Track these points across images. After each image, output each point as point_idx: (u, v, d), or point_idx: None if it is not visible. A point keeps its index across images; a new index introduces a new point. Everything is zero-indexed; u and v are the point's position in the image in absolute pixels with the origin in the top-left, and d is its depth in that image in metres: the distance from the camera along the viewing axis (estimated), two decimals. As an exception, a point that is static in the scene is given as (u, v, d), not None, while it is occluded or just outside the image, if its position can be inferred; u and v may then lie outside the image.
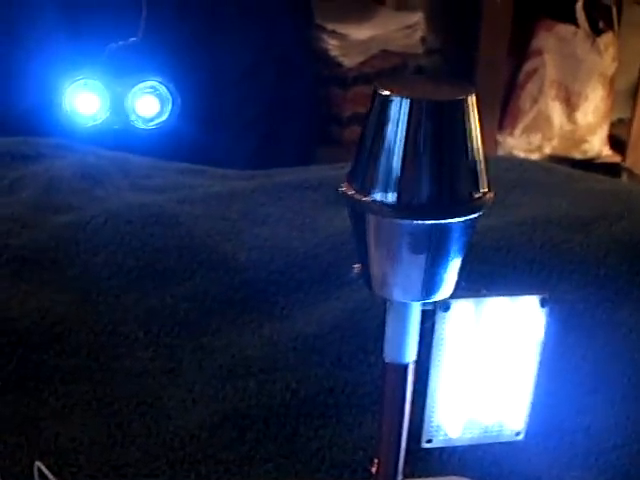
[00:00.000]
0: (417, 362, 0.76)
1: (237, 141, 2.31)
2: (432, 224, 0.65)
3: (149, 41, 1.56)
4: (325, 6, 3.04)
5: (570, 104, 3.24)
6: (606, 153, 3.31)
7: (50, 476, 0.91)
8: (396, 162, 0.64)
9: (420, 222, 0.65)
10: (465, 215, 0.65)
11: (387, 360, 0.75)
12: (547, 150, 3.24)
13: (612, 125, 3.32)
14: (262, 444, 1.01)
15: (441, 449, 0.99)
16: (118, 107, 1.53)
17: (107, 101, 1.53)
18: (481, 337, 0.76)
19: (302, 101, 2.75)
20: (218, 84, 2.24)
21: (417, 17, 3.12)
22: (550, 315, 0.75)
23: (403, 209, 0.65)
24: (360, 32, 2.99)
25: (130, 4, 1.67)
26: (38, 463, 0.92)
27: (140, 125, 1.51)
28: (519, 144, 3.27)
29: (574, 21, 3.11)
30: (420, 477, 0.95)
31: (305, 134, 2.82)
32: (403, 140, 0.63)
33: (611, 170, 3.16)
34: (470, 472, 0.98)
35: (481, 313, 0.74)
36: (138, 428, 1.03)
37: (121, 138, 1.53)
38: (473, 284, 0.73)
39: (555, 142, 3.26)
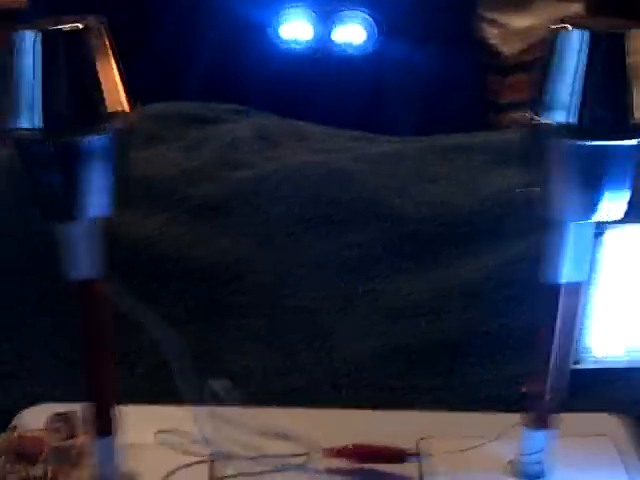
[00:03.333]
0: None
1: (399, 115, 2.38)
2: (605, 145, 0.71)
3: None
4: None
5: None
6: None
7: (224, 393, 0.98)
8: (569, 88, 0.70)
9: (588, 143, 0.70)
10: (626, 138, 0.71)
11: (564, 280, 0.80)
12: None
13: None
14: (426, 376, 1.08)
15: (597, 388, 1.04)
16: (324, 33, 1.60)
17: (315, 27, 1.60)
18: (636, 262, 0.80)
19: (462, 88, 2.79)
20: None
21: (577, 7, 3.12)
22: None
23: (574, 130, 0.70)
24: (520, 21, 3.01)
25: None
26: (213, 381, 0.99)
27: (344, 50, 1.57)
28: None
29: None
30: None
31: (465, 119, 2.86)
32: (578, 68, 0.69)
33: None
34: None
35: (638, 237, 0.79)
36: (307, 358, 1.10)
37: (326, 61, 1.61)
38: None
39: None
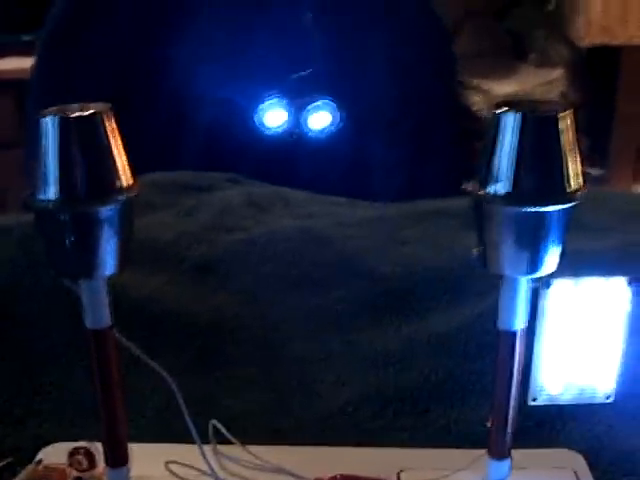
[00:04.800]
0: (525, 333, 0.94)
1: (383, 183, 2.53)
2: (535, 211, 0.84)
3: (320, 71, 1.80)
4: (469, 63, 3.21)
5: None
6: None
7: (223, 430, 1.11)
8: (509, 164, 0.84)
9: (525, 209, 0.84)
10: (560, 204, 0.84)
11: (501, 328, 0.94)
12: (683, 201, 3.32)
13: None
14: (399, 418, 1.20)
15: (551, 426, 1.17)
16: (297, 120, 1.80)
17: (289, 115, 1.81)
18: (578, 310, 0.94)
19: (443, 154, 2.92)
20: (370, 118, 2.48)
21: (558, 73, 3.25)
22: (636, 293, 0.93)
23: (512, 199, 0.84)
24: (502, 87, 3.15)
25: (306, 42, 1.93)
26: (214, 421, 1.12)
27: (314, 134, 1.77)
28: (655, 195, 3.36)
29: None
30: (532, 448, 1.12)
31: (445, 186, 2.99)
32: (514, 147, 0.83)
33: None
34: (576, 446, 1.14)
35: (578, 290, 0.93)
36: (296, 403, 1.23)
37: (298, 144, 1.79)
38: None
39: (688, 193, 3.34)
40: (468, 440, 1.16)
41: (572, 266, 0.93)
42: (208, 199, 1.68)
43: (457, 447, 1.15)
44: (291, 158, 2.17)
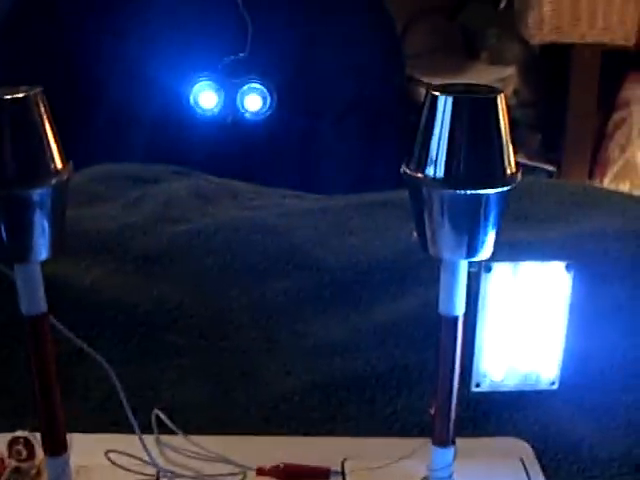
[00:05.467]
0: (467, 319, 0.94)
1: (332, 175, 2.52)
2: (471, 194, 0.84)
3: (254, 54, 1.80)
4: (421, 60, 3.22)
5: (657, 153, 3.34)
6: (694, 202, 3.39)
7: (166, 420, 1.10)
8: (443, 146, 0.83)
9: (461, 192, 0.83)
10: (495, 187, 0.84)
11: (441, 312, 0.93)
12: (636, 198, 3.34)
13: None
14: (344, 407, 1.19)
15: (497, 414, 1.16)
16: (230, 102, 1.80)
17: (222, 97, 1.80)
18: (518, 295, 0.93)
19: (393, 149, 2.92)
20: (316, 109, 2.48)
21: (510, 71, 3.27)
22: (574, 278, 0.92)
23: (449, 182, 0.83)
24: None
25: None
26: (156, 411, 1.11)
27: (247, 117, 1.77)
28: (609, 192, 3.37)
29: (661, 73, 3.22)
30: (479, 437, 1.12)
31: (394, 180, 2.99)
32: (448, 129, 0.83)
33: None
34: (522, 434, 1.14)
35: (517, 275, 0.92)
36: (240, 393, 1.22)
37: (232, 127, 1.79)
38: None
39: (643, 190, 3.36)
40: (414, 429, 1.16)
41: (513, 256, 0.93)
42: (154, 191, 1.67)
43: (403, 436, 1.15)
44: (228, 140, 2.17)
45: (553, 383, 0.99)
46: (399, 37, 3.03)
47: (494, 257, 0.90)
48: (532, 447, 1.11)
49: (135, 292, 1.37)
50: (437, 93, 0.83)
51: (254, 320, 1.34)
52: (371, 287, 1.39)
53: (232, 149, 2.20)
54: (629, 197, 1.75)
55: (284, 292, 1.39)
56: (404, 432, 1.15)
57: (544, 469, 1.08)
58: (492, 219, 0.86)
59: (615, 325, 1.29)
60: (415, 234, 0.90)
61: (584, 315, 1.00)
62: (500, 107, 0.84)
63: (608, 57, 3.20)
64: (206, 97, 2.06)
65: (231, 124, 1.94)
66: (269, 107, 1.96)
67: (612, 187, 3.39)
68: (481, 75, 3.28)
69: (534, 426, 1.15)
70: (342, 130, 2.53)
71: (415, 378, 1.24)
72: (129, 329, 1.31)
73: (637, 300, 1.34)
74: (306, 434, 1.14)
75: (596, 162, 3.41)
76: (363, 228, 1.53)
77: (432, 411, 0.98)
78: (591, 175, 3.40)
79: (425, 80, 3.19)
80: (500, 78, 3.25)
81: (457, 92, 0.83)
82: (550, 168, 3.24)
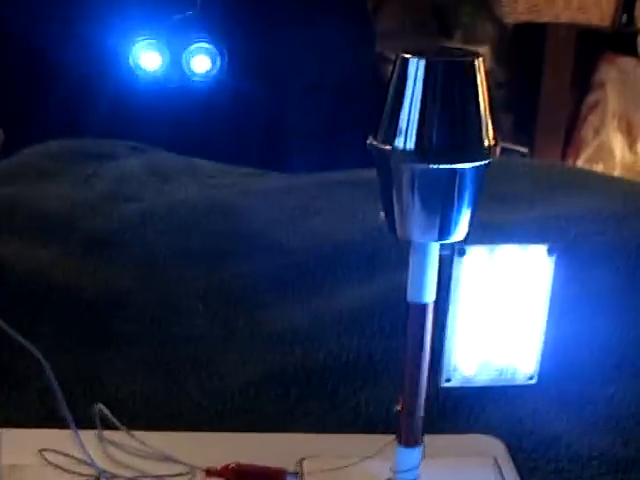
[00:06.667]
0: (438, 308, 0.85)
1: (300, 150, 2.44)
2: (445, 169, 0.75)
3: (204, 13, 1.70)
4: (392, 39, 3.14)
5: (631, 135, 3.29)
6: (669, 183, 3.34)
7: (108, 414, 1.01)
8: (414, 115, 0.74)
9: (434, 166, 0.74)
10: (472, 161, 0.75)
11: (409, 299, 0.84)
12: (609, 180, 3.29)
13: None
14: (304, 400, 1.11)
15: (469, 409, 1.08)
16: (175, 64, 1.69)
17: (166, 58, 1.70)
18: (494, 282, 0.84)
19: (361, 129, 2.83)
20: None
21: (483, 50, 3.21)
22: (557, 263, 0.84)
23: (420, 155, 0.74)
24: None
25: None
26: (99, 405, 1.01)
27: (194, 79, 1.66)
28: (583, 174, 3.32)
29: (636, 54, 3.18)
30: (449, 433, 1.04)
31: (364, 158, 2.91)
32: (420, 96, 0.73)
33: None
34: (495, 431, 1.06)
35: (494, 259, 0.83)
36: (192, 384, 1.13)
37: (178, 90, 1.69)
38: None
39: (617, 172, 3.31)
40: (379, 424, 1.07)
41: (490, 238, 0.84)
42: (107, 167, 1.57)
43: (366, 432, 1.06)
44: (172, 106, 2.06)
45: (532, 378, 0.90)
46: (369, 14, 2.95)
47: (468, 240, 0.81)
48: (506, 445, 1.03)
49: (82, 276, 1.28)
50: (408, 56, 0.74)
51: (210, 306, 1.25)
52: (336, 271, 1.30)
53: (178, 116, 2.09)
54: (607, 177, 1.67)
55: (243, 276, 1.30)
56: (368, 428, 1.07)
57: (519, 468, 0.99)
58: (468, 197, 0.77)
59: (595, 313, 1.21)
60: (382, 214, 0.81)
61: (564, 303, 0.91)
62: (478, 72, 0.75)
63: (583, 38, 3.16)
64: (148, 58, 1.94)
65: (176, 87, 1.83)
66: (219, 69, 1.85)
67: (585, 170, 3.34)
68: (455, 54, 3.21)
69: (508, 422, 1.07)
70: (307, 105, 2.43)
71: (381, 369, 1.15)
72: (74, 315, 1.22)
73: (617, 287, 1.26)
74: (262, 430, 1.05)
75: (569, 144, 3.36)
76: (329, 208, 1.43)
77: (398, 408, 0.90)
78: (564, 157, 3.36)
79: (392, 57, 3.11)
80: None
81: (430, 55, 0.74)
82: (522, 150, 3.18)
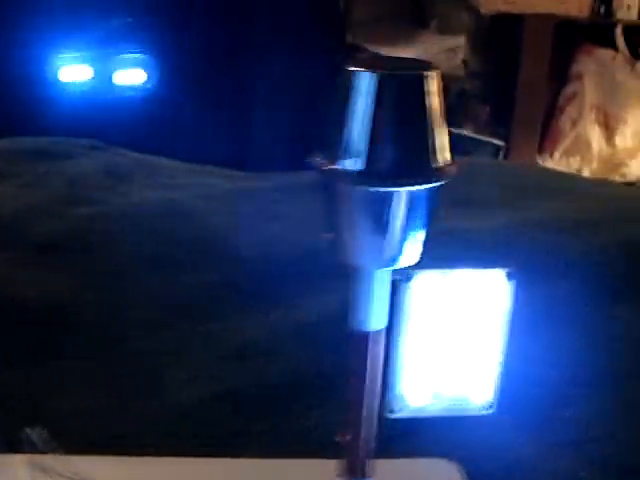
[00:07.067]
0: (387, 335, 0.79)
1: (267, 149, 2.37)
2: (392, 191, 0.69)
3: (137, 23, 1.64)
4: (366, 28, 3.08)
5: (609, 128, 3.25)
6: (647, 177, 3.31)
7: (39, 440, 0.95)
8: (363, 133, 0.68)
9: (382, 189, 0.69)
10: (424, 183, 0.69)
11: (353, 327, 0.78)
12: (586, 173, 3.24)
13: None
14: (255, 421, 1.05)
15: (425, 432, 1.02)
16: (105, 76, 1.63)
17: (96, 71, 1.63)
18: (447, 309, 0.78)
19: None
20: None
21: (460, 40, 3.16)
22: (517, 289, 0.78)
23: (366, 176, 0.68)
24: (401, 54, 3.03)
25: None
26: (28, 430, 0.95)
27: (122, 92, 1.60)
28: (559, 166, 3.28)
29: (614, 46, 3.14)
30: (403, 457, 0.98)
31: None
32: (370, 113, 0.67)
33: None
34: (451, 455, 1.00)
35: (447, 285, 0.78)
36: (138, 403, 1.07)
37: (106, 103, 1.62)
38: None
39: (594, 165, 3.27)
40: (330, 446, 1.02)
41: (452, 249, 0.79)
42: (60, 167, 1.50)
43: (319, 455, 1.00)
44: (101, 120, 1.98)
45: (490, 407, 0.84)
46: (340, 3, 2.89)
47: (424, 259, 0.75)
48: (463, 469, 0.97)
49: (26, 285, 1.21)
50: (354, 69, 0.68)
51: (162, 318, 1.19)
52: (295, 281, 1.24)
53: (105, 127, 2.01)
54: (581, 179, 1.61)
55: (198, 286, 1.23)
56: (321, 450, 1.01)
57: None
58: (418, 220, 0.71)
59: (554, 334, 1.16)
60: (325, 237, 0.75)
61: (521, 323, 0.86)
62: (431, 86, 0.69)
63: (561, 29, 3.11)
64: (76, 70, 1.86)
65: (106, 101, 1.75)
66: (150, 79, 1.78)
67: (562, 162, 3.31)
68: (429, 44, 3.17)
69: (464, 446, 1.02)
70: (273, 104, 2.36)
71: (339, 386, 1.09)
72: (14, 328, 1.15)
73: (578, 302, 1.21)
74: (206, 454, 0.99)
75: (546, 136, 3.32)
76: (289, 214, 1.37)
77: (342, 438, 0.84)
78: (541, 149, 3.31)
79: (370, 49, 3.07)
80: (449, 48, 3.14)
81: (381, 67, 0.68)
82: (498, 142, 3.13)
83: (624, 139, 3.25)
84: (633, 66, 3.16)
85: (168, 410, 1.07)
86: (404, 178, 0.67)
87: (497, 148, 3.13)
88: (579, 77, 3.23)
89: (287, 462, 0.98)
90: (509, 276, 0.77)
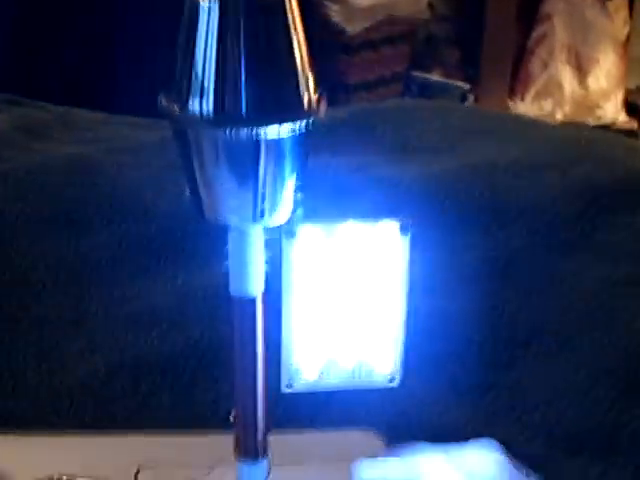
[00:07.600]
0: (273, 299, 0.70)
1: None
2: (254, 134, 0.59)
3: None
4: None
5: (581, 69, 3.16)
6: (622, 119, 3.22)
7: None
8: (209, 68, 0.58)
9: (239, 132, 0.59)
10: (288, 122, 0.59)
11: (233, 293, 0.69)
12: (559, 116, 3.16)
13: (629, 92, 3.24)
14: (156, 394, 0.96)
15: (350, 401, 0.93)
16: None
17: None
18: (336, 268, 0.69)
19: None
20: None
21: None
22: (412, 243, 0.68)
23: (221, 118, 0.59)
24: (364, -2, 2.92)
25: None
26: None
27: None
28: (530, 110, 3.19)
29: (583, -16, 3.05)
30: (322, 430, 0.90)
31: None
32: (215, 44, 0.57)
33: (628, 137, 3.07)
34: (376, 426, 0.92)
35: (334, 240, 0.68)
36: (31, 378, 0.98)
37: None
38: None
39: (567, 108, 3.18)
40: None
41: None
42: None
43: (224, 431, 0.91)
44: None
45: (392, 380, 0.75)
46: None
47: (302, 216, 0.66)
48: (385, 440, 0.88)
49: None
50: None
51: (61, 282, 1.10)
52: (208, 240, 1.13)
53: None
54: (528, 122, 1.51)
55: (100, 247, 1.14)
56: (226, 425, 0.92)
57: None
58: (287, 168, 0.61)
59: (493, 289, 1.07)
60: (188, 192, 0.66)
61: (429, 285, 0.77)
62: (290, 10, 0.59)
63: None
64: None
65: None
66: None
67: (534, 105, 3.23)
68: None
69: (388, 414, 0.92)
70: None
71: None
72: None
73: (520, 254, 1.12)
74: (100, 431, 0.90)
75: (517, 79, 3.23)
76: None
77: (232, 417, 0.75)
78: (512, 93, 3.22)
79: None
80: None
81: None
82: (463, 85, 3.02)
83: (597, 80, 3.16)
84: (603, 5, 3.07)
85: (62, 385, 0.97)
86: (266, 118, 0.57)
87: (464, 93, 3.03)
88: (548, 17, 3.15)
89: (187, 440, 0.90)
90: (403, 228, 0.67)
